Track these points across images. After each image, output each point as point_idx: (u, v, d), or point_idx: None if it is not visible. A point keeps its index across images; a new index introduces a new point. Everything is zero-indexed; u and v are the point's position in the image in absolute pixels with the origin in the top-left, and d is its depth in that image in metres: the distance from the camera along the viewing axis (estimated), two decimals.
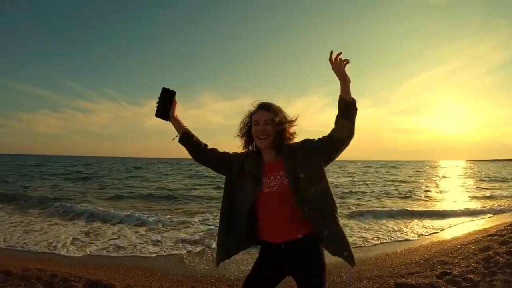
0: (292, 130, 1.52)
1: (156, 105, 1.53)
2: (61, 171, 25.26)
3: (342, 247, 1.42)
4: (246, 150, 1.58)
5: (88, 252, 4.68)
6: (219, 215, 1.60)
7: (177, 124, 1.57)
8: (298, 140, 1.54)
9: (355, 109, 1.41)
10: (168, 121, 1.56)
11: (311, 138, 1.51)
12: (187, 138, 1.57)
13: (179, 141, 1.58)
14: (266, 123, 1.44)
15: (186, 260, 4.33)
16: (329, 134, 1.46)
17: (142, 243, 5.13)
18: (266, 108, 1.48)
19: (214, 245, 4.91)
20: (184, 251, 4.74)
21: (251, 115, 1.52)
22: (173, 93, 1.54)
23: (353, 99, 1.40)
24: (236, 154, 1.60)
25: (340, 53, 1.36)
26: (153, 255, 4.56)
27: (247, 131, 1.53)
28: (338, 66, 1.36)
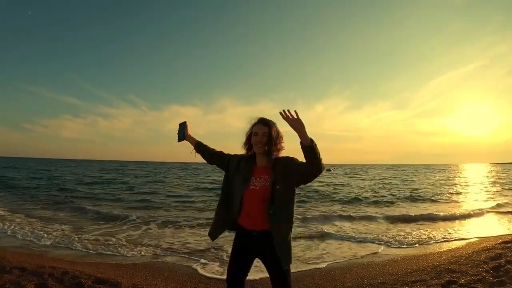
0: (281, 144, 1.89)
1: (177, 133, 2.19)
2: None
3: (288, 255, 1.78)
4: (246, 153, 1.96)
5: (101, 252, 4.88)
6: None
7: (191, 140, 2.19)
8: (286, 156, 1.90)
9: (316, 150, 1.66)
10: (186, 141, 2.19)
11: (295, 158, 1.84)
12: (199, 148, 2.16)
13: (196, 152, 2.15)
14: (263, 135, 1.83)
15: (192, 263, 4.40)
16: (305, 163, 1.73)
17: (152, 246, 5.27)
18: (264, 123, 1.87)
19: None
20: (191, 255, 4.82)
21: (252, 126, 1.90)
22: (185, 123, 2.20)
23: (312, 141, 1.66)
24: (234, 155, 2.03)
25: (287, 110, 1.67)
26: (162, 257, 4.67)
27: (249, 139, 1.91)
28: (291, 120, 1.67)
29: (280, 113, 1.68)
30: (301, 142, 1.67)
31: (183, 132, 2.18)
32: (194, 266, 4.26)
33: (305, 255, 4.77)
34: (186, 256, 4.74)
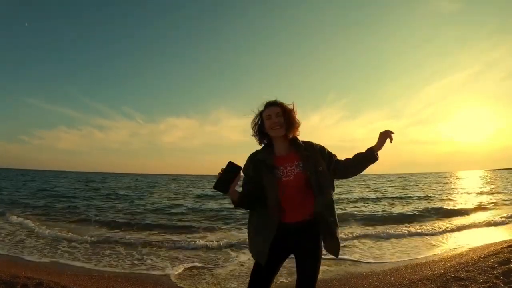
0: (297, 121, 1.71)
1: (218, 176, 1.53)
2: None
3: (337, 237, 1.68)
4: (260, 143, 1.75)
5: (84, 265, 4.56)
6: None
7: (233, 196, 1.60)
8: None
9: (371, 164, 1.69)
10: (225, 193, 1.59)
11: (328, 149, 1.74)
12: (241, 204, 1.64)
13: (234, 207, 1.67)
14: (277, 115, 1.65)
15: (178, 277, 4.11)
16: (343, 161, 1.72)
17: (136, 260, 4.89)
18: (273, 104, 1.69)
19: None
20: (177, 268, 4.48)
21: (261, 113, 1.72)
22: (239, 169, 1.55)
23: (377, 156, 1.67)
24: (246, 164, 1.72)
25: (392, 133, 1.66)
26: (148, 269, 4.37)
27: (259, 128, 1.72)
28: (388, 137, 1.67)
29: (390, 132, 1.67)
30: (373, 150, 1.66)
31: (228, 181, 1.53)
32: (179, 279, 3.98)
33: None
34: (173, 269, 4.42)
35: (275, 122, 1.65)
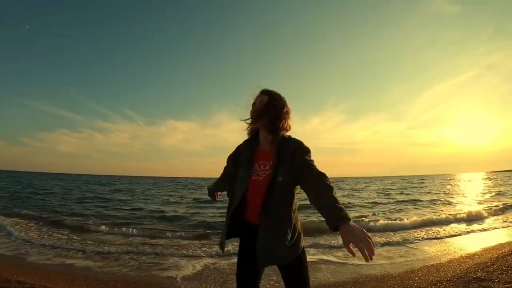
0: (287, 120, 1.50)
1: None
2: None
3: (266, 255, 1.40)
4: (248, 133, 1.59)
5: (84, 269, 4.32)
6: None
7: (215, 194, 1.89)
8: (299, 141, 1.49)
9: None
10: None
11: (307, 151, 1.43)
12: (215, 191, 1.88)
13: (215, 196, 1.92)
14: (261, 104, 1.47)
15: (183, 279, 3.91)
16: (312, 184, 1.32)
17: (139, 264, 4.65)
18: (265, 92, 1.51)
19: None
20: (183, 271, 4.28)
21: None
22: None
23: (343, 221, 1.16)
24: (228, 158, 1.66)
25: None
26: (150, 275, 4.13)
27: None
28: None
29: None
30: (335, 227, 1.16)
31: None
32: (185, 281, 3.79)
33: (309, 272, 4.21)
34: (178, 271, 4.23)
35: (254, 110, 1.49)
